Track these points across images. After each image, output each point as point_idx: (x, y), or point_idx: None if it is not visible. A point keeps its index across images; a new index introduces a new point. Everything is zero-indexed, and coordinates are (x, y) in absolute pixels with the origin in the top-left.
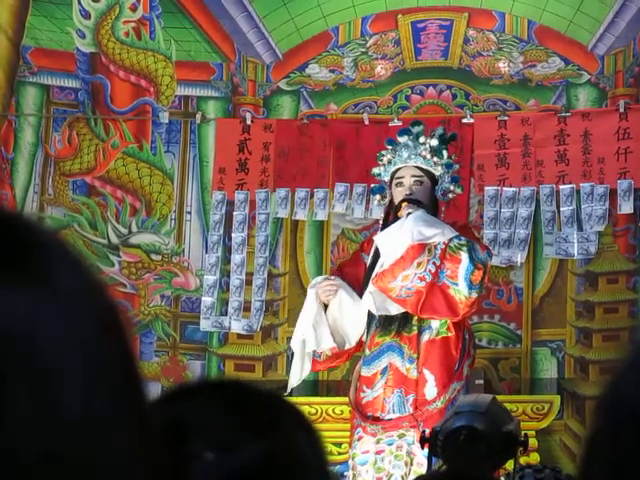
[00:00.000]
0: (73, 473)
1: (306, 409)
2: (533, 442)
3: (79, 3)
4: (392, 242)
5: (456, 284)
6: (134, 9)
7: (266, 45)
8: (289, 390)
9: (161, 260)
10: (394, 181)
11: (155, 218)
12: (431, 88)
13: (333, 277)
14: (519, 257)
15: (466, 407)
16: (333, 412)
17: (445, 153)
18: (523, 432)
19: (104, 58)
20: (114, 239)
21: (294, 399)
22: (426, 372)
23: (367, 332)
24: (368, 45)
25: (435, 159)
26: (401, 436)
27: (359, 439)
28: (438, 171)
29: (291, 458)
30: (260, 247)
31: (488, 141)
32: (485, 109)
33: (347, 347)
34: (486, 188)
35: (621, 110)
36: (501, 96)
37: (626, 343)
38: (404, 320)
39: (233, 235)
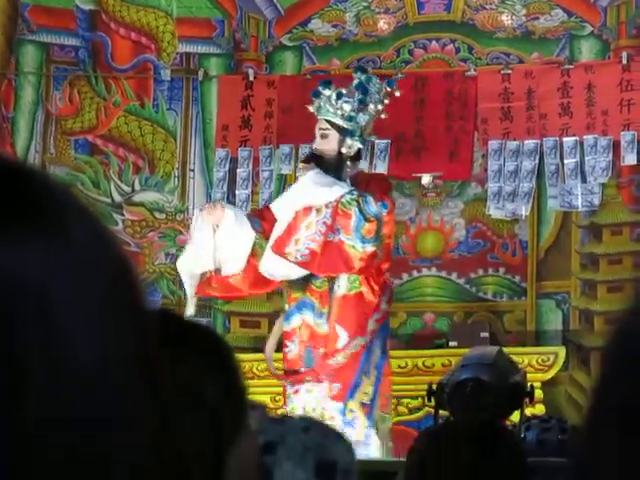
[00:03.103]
0: (88, 426)
1: None
2: (539, 394)
3: None
4: (285, 206)
5: (349, 239)
6: None
7: (267, 0)
8: (187, 315)
9: (165, 218)
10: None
11: (158, 176)
12: (434, 42)
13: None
14: (523, 210)
15: (473, 359)
16: None
17: (347, 106)
18: (529, 383)
19: (104, 15)
20: (117, 198)
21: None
22: (339, 328)
23: (286, 288)
24: None
25: (339, 112)
26: (309, 391)
27: (295, 392)
28: (344, 124)
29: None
30: (264, 204)
31: (492, 95)
32: (489, 62)
33: (224, 273)
34: (490, 142)
35: (624, 62)
36: (504, 49)
37: (631, 294)
38: (310, 274)
39: (237, 192)
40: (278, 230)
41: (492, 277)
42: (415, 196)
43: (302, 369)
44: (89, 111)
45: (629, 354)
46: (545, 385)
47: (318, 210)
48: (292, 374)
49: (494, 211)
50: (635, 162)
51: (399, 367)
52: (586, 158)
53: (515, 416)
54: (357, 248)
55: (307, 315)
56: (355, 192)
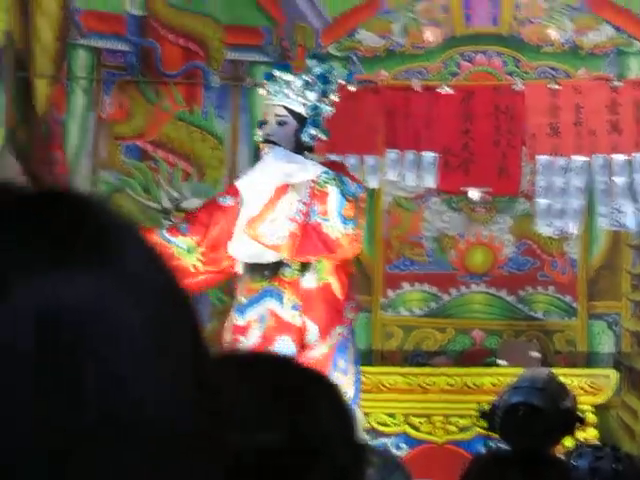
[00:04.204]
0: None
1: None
2: (591, 417)
3: None
4: (255, 185)
5: (327, 220)
6: None
7: (315, 10)
8: None
9: None
10: (263, 118)
11: (207, 183)
12: (481, 55)
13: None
14: (572, 228)
15: (524, 383)
16: (387, 382)
17: (312, 95)
18: (580, 409)
19: (154, 21)
20: (167, 203)
21: None
22: (308, 322)
23: (239, 279)
24: (417, 10)
25: (301, 99)
26: None
27: None
28: (305, 112)
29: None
30: None
31: (539, 109)
32: (536, 77)
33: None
34: (538, 157)
35: None
36: (551, 64)
37: None
38: (279, 263)
39: None
40: (249, 210)
41: (542, 295)
42: (463, 211)
43: None
44: (138, 116)
45: None
46: (597, 408)
47: (296, 188)
48: None
49: (543, 228)
50: None
51: (448, 385)
52: (636, 176)
53: (567, 441)
54: (338, 229)
55: (272, 304)
56: (331, 172)
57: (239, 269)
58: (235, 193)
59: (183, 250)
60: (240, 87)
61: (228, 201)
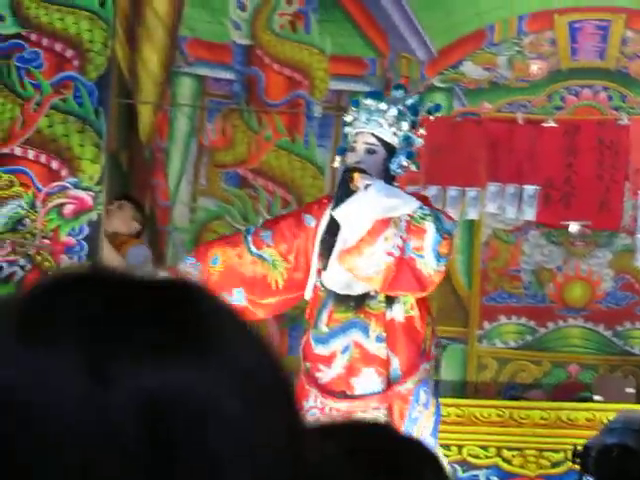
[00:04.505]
0: None
1: (453, 411)
2: None
3: None
4: (354, 217)
5: (422, 257)
6: (290, 2)
7: (421, 41)
8: None
9: None
10: (351, 145)
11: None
12: (587, 89)
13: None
14: None
15: (618, 424)
16: (481, 415)
17: (405, 124)
18: None
19: (259, 50)
20: None
21: (441, 399)
22: (391, 354)
23: (322, 308)
24: (524, 44)
25: (394, 129)
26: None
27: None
28: (396, 142)
29: None
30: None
31: None
32: None
33: None
34: None
35: None
36: None
37: None
38: (364, 295)
39: None
40: (345, 240)
41: (639, 331)
42: (563, 244)
43: (356, 392)
44: (241, 144)
45: None
46: None
47: (395, 223)
48: (336, 395)
49: None
50: None
51: (542, 419)
52: None
53: None
54: (431, 266)
55: (358, 336)
56: (426, 207)
57: (308, 296)
58: (319, 216)
59: (269, 264)
60: (342, 117)
61: (312, 223)
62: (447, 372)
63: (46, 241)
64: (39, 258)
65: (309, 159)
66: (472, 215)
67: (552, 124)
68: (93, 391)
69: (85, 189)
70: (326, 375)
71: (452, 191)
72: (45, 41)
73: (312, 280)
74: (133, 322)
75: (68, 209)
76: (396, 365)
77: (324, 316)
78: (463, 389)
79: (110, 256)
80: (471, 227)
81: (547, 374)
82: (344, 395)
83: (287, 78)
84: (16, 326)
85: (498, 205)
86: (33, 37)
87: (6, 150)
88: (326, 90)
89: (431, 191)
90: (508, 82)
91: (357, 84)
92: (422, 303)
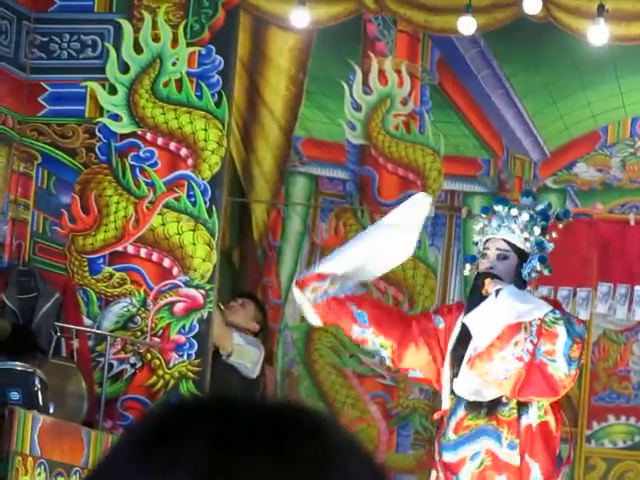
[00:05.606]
0: None
1: None
2: None
3: (351, 96)
4: (485, 322)
5: (554, 361)
6: (404, 103)
7: (535, 142)
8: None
9: None
10: (482, 251)
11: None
12: None
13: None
14: None
15: None
16: None
17: (537, 229)
18: None
19: (373, 150)
20: None
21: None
22: (529, 460)
23: (451, 415)
24: (637, 146)
25: (525, 234)
26: None
27: None
28: (527, 248)
29: None
30: None
31: None
32: None
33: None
34: None
35: None
36: None
37: None
38: (496, 402)
39: None
40: (476, 346)
41: None
42: None
43: None
44: None
45: None
46: None
47: (525, 328)
48: None
49: None
50: None
51: None
52: None
53: None
54: (562, 370)
55: (490, 444)
56: (557, 311)
57: (446, 405)
58: (449, 320)
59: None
60: (455, 217)
61: (441, 325)
62: None
63: (156, 339)
64: (149, 356)
65: (421, 258)
66: (582, 315)
67: None
68: None
69: (196, 287)
70: None
71: (563, 291)
72: (160, 140)
73: (446, 390)
74: (254, 458)
75: (179, 307)
76: (535, 472)
77: (452, 424)
78: None
79: (222, 333)
80: None
81: None
82: None
83: (400, 178)
84: (136, 451)
85: (609, 305)
86: (148, 136)
87: (119, 248)
88: (439, 190)
89: (542, 291)
90: (621, 183)
91: (470, 184)
92: (556, 407)
